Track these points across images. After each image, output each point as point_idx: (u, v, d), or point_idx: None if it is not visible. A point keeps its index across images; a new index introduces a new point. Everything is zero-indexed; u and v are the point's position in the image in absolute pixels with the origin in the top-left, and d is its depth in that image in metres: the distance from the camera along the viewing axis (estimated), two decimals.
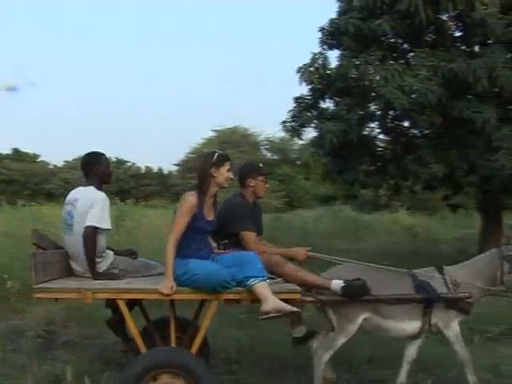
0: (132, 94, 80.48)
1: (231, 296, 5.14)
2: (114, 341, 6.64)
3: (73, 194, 5.81)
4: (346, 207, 27.88)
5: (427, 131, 12.73)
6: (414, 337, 5.78)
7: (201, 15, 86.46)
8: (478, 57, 10.82)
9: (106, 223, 5.60)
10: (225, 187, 5.36)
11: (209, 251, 5.38)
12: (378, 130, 13.42)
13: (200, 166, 5.37)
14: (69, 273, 5.65)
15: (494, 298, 6.58)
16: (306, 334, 5.71)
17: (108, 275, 5.57)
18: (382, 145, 13.74)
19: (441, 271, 5.75)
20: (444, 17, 11.91)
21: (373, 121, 13.03)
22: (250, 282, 4.97)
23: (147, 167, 49.96)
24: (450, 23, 12.13)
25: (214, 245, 5.56)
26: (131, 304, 5.57)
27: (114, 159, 47.84)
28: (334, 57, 12.75)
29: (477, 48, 11.92)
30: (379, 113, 12.75)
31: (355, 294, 5.39)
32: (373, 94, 11.46)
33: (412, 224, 21.82)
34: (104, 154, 6.16)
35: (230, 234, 5.66)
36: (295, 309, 5.04)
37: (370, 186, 15.01)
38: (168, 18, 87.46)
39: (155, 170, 50.01)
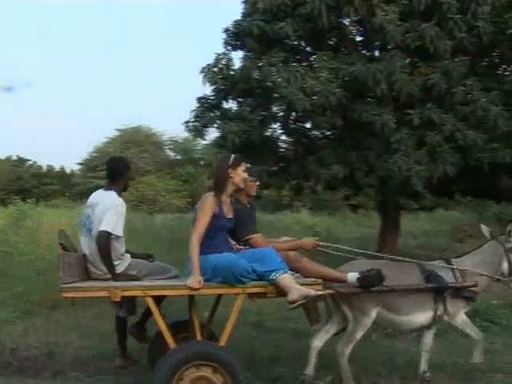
0: None
1: (257, 290, 5.35)
2: None
3: (93, 198, 6.02)
4: None
5: (328, 133, 12.98)
6: (427, 327, 6.10)
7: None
8: (377, 61, 11.06)
9: (119, 230, 5.73)
10: (241, 188, 5.73)
11: (229, 248, 5.59)
12: (280, 131, 13.56)
13: (218, 168, 5.76)
14: (87, 276, 5.76)
15: None
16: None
17: (127, 276, 5.70)
18: (284, 146, 13.87)
19: (449, 263, 6.14)
20: (346, 21, 12.12)
21: (275, 122, 13.14)
22: (273, 275, 5.22)
23: (49, 166, 48.95)
24: (352, 28, 12.36)
25: (233, 242, 5.75)
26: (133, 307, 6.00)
27: (14, 157, 46.64)
28: (237, 58, 12.85)
29: (377, 53, 12.23)
30: (281, 114, 12.88)
31: (371, 283, 5.64)
32: (275, 95, 11.55)
33: (313, 224, 22.15)
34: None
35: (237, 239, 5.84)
36: (320, 292, 5.38)
37: (272, 187, 15.17)
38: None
39: (57, 169, 49.00)
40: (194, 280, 5.16)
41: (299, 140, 13.38)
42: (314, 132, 13.35)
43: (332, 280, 5.72)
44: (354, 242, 17.72)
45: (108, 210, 5.70)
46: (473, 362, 6.15)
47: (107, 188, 6.02)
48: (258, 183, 6.40)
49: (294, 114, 12.65)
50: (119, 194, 5.95)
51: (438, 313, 5.97)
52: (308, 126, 13.19)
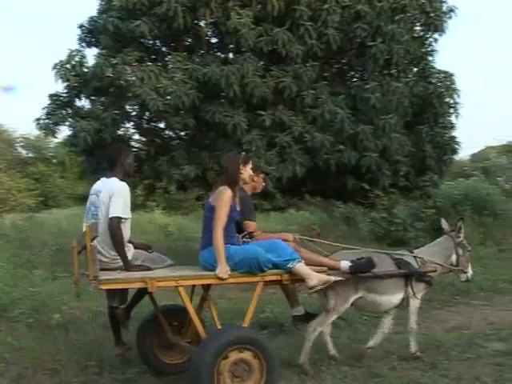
0: None
1: (274, 277, 5.89)
2: None
3: (97, 185, 6.27)
4: None
5: (182, 133, 13.00)
6: (397, 307, 7.06)
7: None
8: (231, 63, 11.18)
9: (127, 213, 5.99)
10: (246, 183, 6.37)
11: (236, 238, 6.07)
12: (133, 131, 13.42)
13: (230, 164, 6.07)
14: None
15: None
16: (304, 314, 6.79)
17: (138, 267, 5.84)
18: (137, 145, 13.76)
19: (411, 252, 7.22)
20: (201, 23, 12.13)
21: (128, 121, 13.01)
22: (289, 264, 5.78)
23: None
24: (207, 30, 12.42)
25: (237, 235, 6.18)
26: (142, 294, 6.29)
27: None
28: (92, 55, 12.50)
29: (231, 55, 12.34)
30: (135, 113, 12.82)
31: (363, 270, 6.46)
32: (129, 94, 11.45)
33: (167, 223, 22.10)
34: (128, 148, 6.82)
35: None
36: (338, 278, 6.15)
37: None
38: None
39: None
40: (223, 270, 5.55)
41: (152, 140, 13.32)
42: (168, 132, 13.34)
43: (329, 267, 6.30)
44: None
45: (113, 194, 5.93)
46: (411, 351, 7.00)
47: (108, 176, 6.23)
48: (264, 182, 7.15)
49: (147, 113, 12.58)
50: (121, 180, 6.17)
51: (406, 295, 6.93)
52: (161, 126, 13.16)
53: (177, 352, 6.60)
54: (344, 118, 11.09)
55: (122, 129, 12.98)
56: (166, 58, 12.58)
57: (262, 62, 11.83)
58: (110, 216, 5.83)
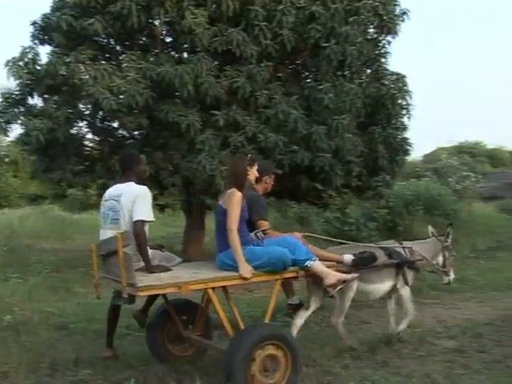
0: None
1: (290, 274, 6.18)
2: None
3: (113, 191, 6.30)
4: (55, 207, 27.30)
5: (135, 132, 12.93)
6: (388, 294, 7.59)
7: None
8: (185, 63, 11.18)
9: (151, 216, 6.09)
10: (252, 184, 6.65)
11: (249, 236, 6.23)
12: (86, 130, 13.25)
13: (238, 167, 6.28)
14: None
15: None
16: (299, 303, 7.10)
17: (159, 267, 6.02)
18: (90, 144, 13.64)
19: (400, 243, 7.68)
20: (156, 22, 12.11)
21: (82, 120, 12.87)
22: (307, 263, 6.06)
23: None
24: (161, 29, 12.40)
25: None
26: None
27: None
28: (45, 53, 12.32)
29: (185, 55, 12.34)
30: (88, 112, 12.69)
31: (366, 263, 6.95)
32: (82, 93, 11.34)
33: None
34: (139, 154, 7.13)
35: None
36: (356, 275, 6.65)
37: (77, 186, 14.90)
38: None
39: None
40: (246, 270, 5.77)
41: (106, 139, 13.23)
42: (121, 131, 13.25)
43: (332, 261, 6.63)
44: (159, 241, 17.86)
45: (137, 198, 6.03)
46: (399, 330, 7.56)
47: (123, 181, 6.34)
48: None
49: (100, 112, 12.46)
50: (137, 184, 6.30)
51: (397, 282, 7.45)
52: (115, 125, 13.08)
53: (185, 345, 6.86)
54: (297, 118, 11.19)
55: (75, 128, 12.82)
56: (120, 57, 12.46)
57: (216, 62, 11.87)
58: (136, 219, 5.93)
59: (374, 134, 12.97)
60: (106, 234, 6.15)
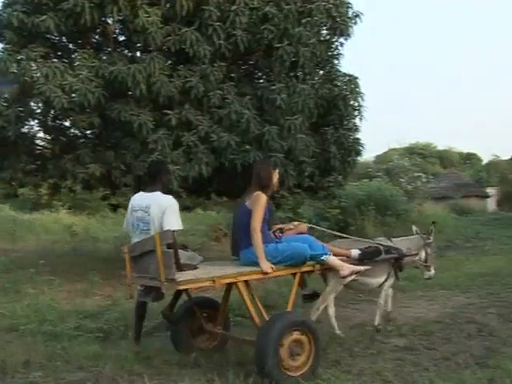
0: None
1: (308, 268, 6.75)
2: None
3: (141, 201, 6.64)
4: (6, 206, 26.89)
5: (87, 131, 12.79)
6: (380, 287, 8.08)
7: None
8: (138, 62, 11.12)
9: (180, 224, 6.48)
10: (275, 187, 7.15)
11: (270, 235, 6.71)
12: (38, 128, 13.05)
13: (264, 171, 6.81)
14: None
15: None
16: (313, 293, 7.50)
17: (187, 266, 6.34)
18: (42, 143, 13.46)
19: (390, 240, 8.14)
20: (109, 20, 11.99)
21: (33, 118, 12.67)
22: (323, 257, 6.64)
23: None
24: (115, 27, 12.30)
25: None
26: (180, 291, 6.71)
27: None
28: None
29: (138, 54, 12.24)
30: (39, 111, 12.50)
31: (371, 257, 7.41)
32: (34, 91, 11.19)
33: (72, 223, 21.74)
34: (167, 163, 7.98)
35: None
36: (367, 267, 7.17)
37: (28, 185, 14.71)
38: None
39: None
40: (267, 265, 6.24)
41: (57, 138, 13.06)
42: (73, 130, 13.06)
43: (341, 255, 7.06)
44: (112, 241, 17.73)
45: (166, 209, 6.39)
46: (375, 323, 8.02)
47: (150, 190, 6.67)
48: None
49: (52, 111, 12.29)
50: (164, 193, 6.64)
51: (389, 276, 7.96)
52: (67, 124, 12.90)
53: (205, 338, 7.27)
54: (250, 118, 11.24)
55: (27, 126, 12.62)
56: (73, 55, 12.32)
57: (169, 62, 11.84)
58: (168, 229, 6.22)
59: (327, 134, 13.07)
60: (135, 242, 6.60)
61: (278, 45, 11.74)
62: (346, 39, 13.50)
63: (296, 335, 6.04)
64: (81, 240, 18.81)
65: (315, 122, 12.93)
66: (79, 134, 13.09)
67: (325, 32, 13.49)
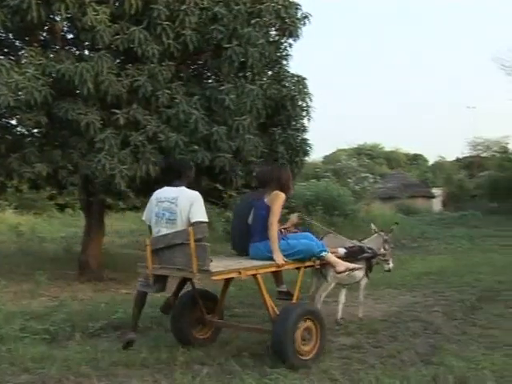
0: None
1: (310, 263, 7.46)
2: None
3: (168, 193, 7.18)
4: None
5: (34, 130, 12.60)
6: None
7: None
8: (86, 61, 11.02)
9: (206, 217, 7.00)
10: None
11: (279, 233, 7.42)
12: None
13: (285, 174, 7.74)
14: None
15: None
16: (287, 292, 7.65)
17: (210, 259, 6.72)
18: None
19: (362, 241, 9.11)
20: (57, 18, 11.80)
21: None
22: (322, 254, 7.40)
23: None
24: (62, 25, 12.17)
25: None
26: (184, 282, 7.66)
27: None
28: None
29: (86, 52, 12.15)
30: None
31: (356, 255, 8.34)
32: None
33: (18, 223, 21.48)
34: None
35: None
36: (359, 265, 8.33)
37: None
38: None
39: None
40: (280, 258, 7.02)
41: (3, 137, 12.78)
42: (19, 129, 12.84)
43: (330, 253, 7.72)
44: (59, 241, 17.59)
45: (195, 202, 6.99)
46: (359, 315, 9.08)
47: (176, 185, 7.24)
48: None
49: None
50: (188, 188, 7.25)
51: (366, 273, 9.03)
52: (13, 122, 12.69)
53: (204, 328, 7.83)
54: (198, 118, 11.25)
55: None
56: (19, 53, 12.20)
57: (117, 61, 11.75)
58: (196, 220, 6.86)
59: (275, 134, 13.13)
60: (161, 231, 7.06)
61: (227, 45, 11.74)
62: (294, 40, 13.54)
63: (307, 323, 6.85)
64: (27, 240, 18.63)
65: (263, 123, 12.96)
66: (26, 132, 12.85)
67: (274, 33, 13.50)
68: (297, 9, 13.42)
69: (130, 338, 7.34)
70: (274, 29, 13.42)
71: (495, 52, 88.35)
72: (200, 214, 6.93)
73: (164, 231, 7.01)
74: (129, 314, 8.24)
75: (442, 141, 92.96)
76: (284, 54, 13.86)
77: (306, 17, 13.51)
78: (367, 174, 29.90)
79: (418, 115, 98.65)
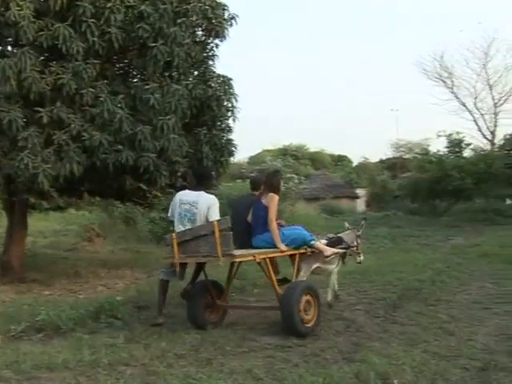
0: None
1: (303, 251, 8.77)
2: None
3: (189, 197, 8.65)
4: None
5: None
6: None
7: None
8: (8, 57, 10.84)
9: (219, 217, 8.37)
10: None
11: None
12: None
13: (277, 178, 9.12)
14: None
15: None
16: (282, 278, 9.05)
17: None
18: None
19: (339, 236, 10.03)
20: None
21: None
22: (312, 242, 8.78)
23: None
24: None
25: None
26: (199, 271, 8.93)
27: None
28: None
29: (9, 48, 11.88)
30: None
31: (334, 244, 9.46)
32: None
33: None
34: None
35: None
36: (342, 251, 9.59)
37: None
38: None
39: None
40: (282, 246, 8.45)
41: None
42: None
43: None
44: None
45: (212, 205, 8.50)
46: (327, 299, 9.60)
47: (197, 189, 8.73)
48: None
49: None
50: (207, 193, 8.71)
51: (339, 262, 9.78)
52: None
53: (215, 312, 8.90)
54: (123, 117, 11.19)
55: None
56: None
57: (41, 58, 11.57)
58: (212, 219, 8.20)
59: (200, 135, 13.19)
60: (185, 227, 8.43)
61: (153, 44, 11.73)
62: (221, 41, 13.63)
63: (308, 297, 8.15)
64: None
65: (188, 123, 12.99)
66: None
67: (200, 33, 13.60)
68: (224, 10, 13.51)
69: (159, 322, 8.61)
70: (200, 29, 13.51)
71: (417, 57, 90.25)
72: (215, 214, 8.39)
73: (186, 227, 8.39)
74: (52, 316, 8.15)
75: (366, 142, 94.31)
76: (210, 54, 13.93)
77: (232, 18, 13.60)
78: (292, 175, 30.02)
79: (342, 117, 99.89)
